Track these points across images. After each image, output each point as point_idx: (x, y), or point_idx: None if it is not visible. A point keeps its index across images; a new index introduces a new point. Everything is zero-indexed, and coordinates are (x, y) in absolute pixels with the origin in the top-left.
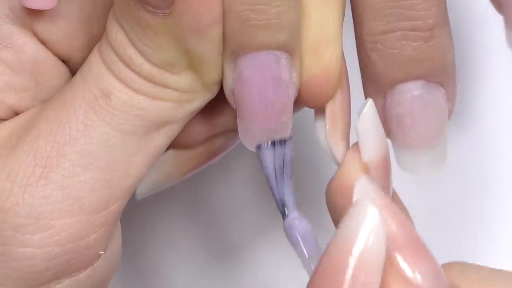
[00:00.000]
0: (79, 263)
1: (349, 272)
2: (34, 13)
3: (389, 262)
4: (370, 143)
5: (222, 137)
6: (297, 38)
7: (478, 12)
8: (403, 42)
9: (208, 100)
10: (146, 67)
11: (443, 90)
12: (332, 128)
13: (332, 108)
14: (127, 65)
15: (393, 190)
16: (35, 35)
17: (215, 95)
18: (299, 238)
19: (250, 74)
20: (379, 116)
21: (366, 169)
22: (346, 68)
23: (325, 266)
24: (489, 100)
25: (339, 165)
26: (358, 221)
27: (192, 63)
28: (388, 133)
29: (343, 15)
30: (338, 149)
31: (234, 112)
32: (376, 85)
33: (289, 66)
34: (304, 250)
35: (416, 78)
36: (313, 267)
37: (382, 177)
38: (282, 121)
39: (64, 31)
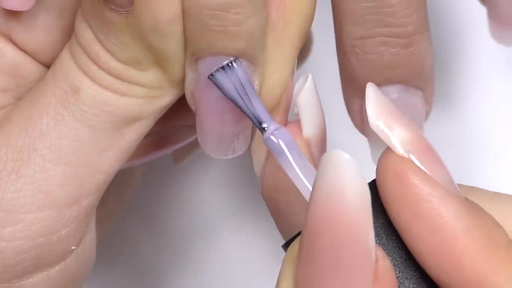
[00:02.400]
0: (50, 258)
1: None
2: (11, 24)
3: (407, 163)
4: (310, 118)
5: (176, 130)
6: (258, 47)
7: (463, 6)
8: (382, 48)
9: (178, 96)
10: (113, 64)
11: (421, 93)
12: (259, 143)
13: None
14: (95, 62)
15: None
16: (14, 44)
17: (184, 91)
18: (283, 146)
19: (207, 77)
20: (358, 116)
21: (307, 145)
22: (291, 95)
23: (312, 221)
24: (470, 98)
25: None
26: (334, 170)
27: (157, 60)
28: (366, 133)
29: (298, 52)
30: (259, 161)
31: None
32: (354, 87)
33: (249, 73)
34: (290, 158)
35: (394, 82)
36: (301, 176)
37: (320, 152)
38: (239, 128)
39: (43, 42)
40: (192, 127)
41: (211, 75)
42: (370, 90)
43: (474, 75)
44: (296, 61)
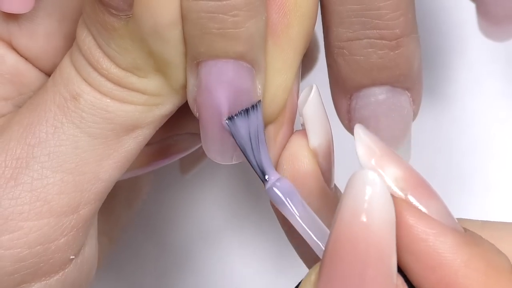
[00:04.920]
0: (49, 267)
1: (363, 244)
2: (12, 29)
3: (402, 203)
4: (317, 129)
5: (180, 138)
6: (259, 50)
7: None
8: (369, 50)
9: (179, 105)
10: (114, 70)
11: (408, 94)
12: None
13: (268, 134)
14: (95, 68)
15: None
16: (15, 50)
17: (185, 99)
18: (284, 197)
19: (209, 82)
20: (345, 116)
21: (314, 155)
22: (296, 102)
23: (336, 240)
24: (467, 96)
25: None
26: (361, 189)
27: (158, 66)
28: (353, 132)
29: (301, 56)
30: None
31: (195, 116)
32: (342, 88)
33: (251, 77)
34: (293, 208)
35: (381, 84)
36: (304, 226)
37: (327, 161)
38: None
39: (44, 48)
40: (196, 135)
41: (230, 119)
42: (360, 131)
43: (470, 73)
44: (301, 66)
